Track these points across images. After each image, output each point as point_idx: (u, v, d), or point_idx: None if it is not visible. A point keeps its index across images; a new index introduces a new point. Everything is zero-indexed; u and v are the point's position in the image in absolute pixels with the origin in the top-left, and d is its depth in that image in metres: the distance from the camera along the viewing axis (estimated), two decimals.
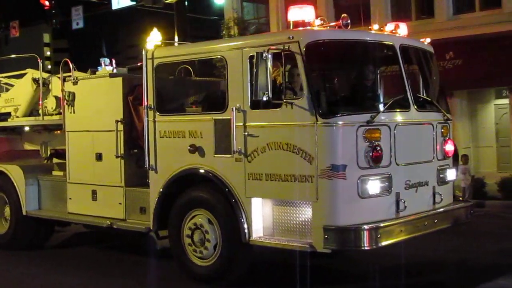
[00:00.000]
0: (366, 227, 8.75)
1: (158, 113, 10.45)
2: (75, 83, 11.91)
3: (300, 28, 9.15)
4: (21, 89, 13.67)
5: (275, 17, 35.16)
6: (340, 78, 9.50)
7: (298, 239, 9.16)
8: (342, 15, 9.38)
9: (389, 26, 9.85)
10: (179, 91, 11.40)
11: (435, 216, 9.74)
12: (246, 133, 9.41)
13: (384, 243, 8.86)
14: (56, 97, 12.78)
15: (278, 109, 9.12)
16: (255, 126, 9.37)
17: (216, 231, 9.86)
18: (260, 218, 9.49)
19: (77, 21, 39.71)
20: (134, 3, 34.77)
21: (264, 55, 8.72)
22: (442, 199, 10.01)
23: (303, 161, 8.92)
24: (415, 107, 9.57)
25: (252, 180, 9.42)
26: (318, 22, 9.14)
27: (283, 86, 9.11)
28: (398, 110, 9.43)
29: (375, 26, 9.65)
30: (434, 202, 9.92)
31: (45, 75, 13.43)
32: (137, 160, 11.37)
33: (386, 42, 9.64)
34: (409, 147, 9.47)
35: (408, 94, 9.50)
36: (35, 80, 13.19)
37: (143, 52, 10.53)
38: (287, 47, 8.90)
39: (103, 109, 11.47)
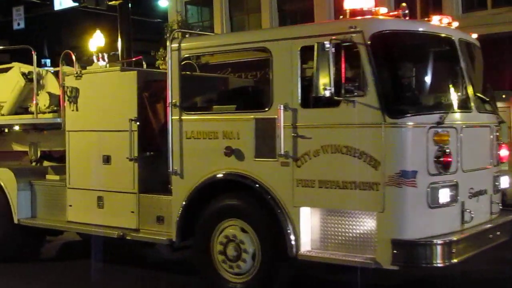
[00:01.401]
0: (439, 241, 7.74)
1: (184, 111, 9.13)
2: (78, 77, 10.52)
3: (364, 17, 8.00)
4: (7, 85, 12.20)
5: (219, 20, 34.83)
6: (406, 73, 8.39)
7: (356, 254, 8.03)
8: (401, 5, 8.30)
9: (445, 19, 8.78)
10: (209, 87, 10.15)
11: (498, 227, 8.75)
12: (295, 134, 8.26)
13: (456, 259, 7.80)
14: (50, 93, 11.41)
15: (336, 107, 7.96)
16: (307, 126, 8.27)
17: (255, 244, 8.68)
18: (309, 230, 8.37)
19: (18, 21, 38.27)
20: (76, 4, 33.49)
21: (326, 45, 7.56)
22: (499, 209, 9.00)
23: (367, 166, 7.84)
24: (476, 108, 8.56)
25: (301, 187, 8.29)
26: (383, 10, 8.00)
27: (341, 81, 7.87)
28: (461, 111, 8.39)
29: (435, 18, 8.55)
30: (491, 213, 8.87)
31: (35, 69, 11.92)
32: (151, 164, 10.05)
33: (449, 36, 8.60)
34: (471, 151, 8.48)
35: (470, 93, 8.50)
36: (25, 75, 11.72)
37: (167, 43, 9.24)
38: (348, 38, 7.72)
39: (113, 107, 10.19)
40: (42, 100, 11.42)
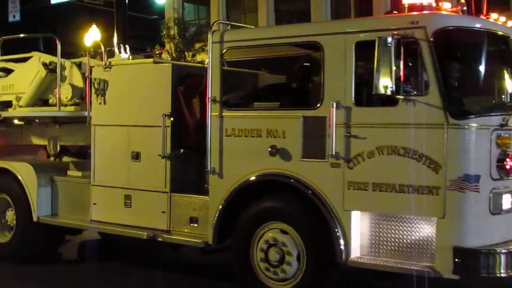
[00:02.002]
0: (503, 250, 7.36)
1: (225, 107, 8.67)
2: (107, 69, 9.99)
3: (427, 12, 7.56)
4: (25, 75, 11.67)
5: (216, 18, 34.75)
6: (469, 72, 7.96)
7: (411, 261, 7.58)
8: (460, 1, 7.89)
9: (502, 18, 8.38)
10: (252, 82, 9.70)
11: None
12: (348, 134, 7.82)
13: None
14: (73, 85, 10.88)
15: (394, 106, 7.54)
16: (362, 125, 7.84)
17: (299, 248, 8.19)
18: (360, 235, 7.96)
19: (14, 14, 37.78)
20: None
21: (389, 40, 7.13)
22: None
23: (427, 169, 7.44)
24: None
25: (353, 190, 7.87)
26: (447, 5, 7.58)
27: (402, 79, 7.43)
28: None
29: (494, 15, 8.14)
30: None
31: (55, 59, 11.38)
32: (184, 162, 9.58)
33: (508, 35, 8.20)
34: None
35: None
36: (46, 65, 11.19)
37: (209, 35, 8.76)
38: (410, 33, 7.30)
39: (145, 101, 9.71)
40: (64, 92, 10.91)
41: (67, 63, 11.14)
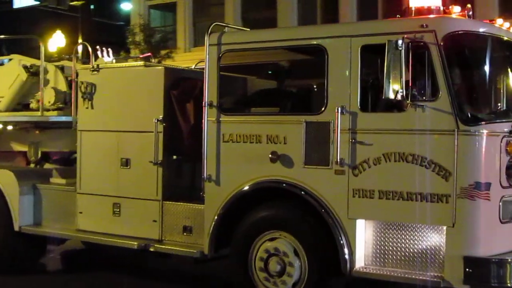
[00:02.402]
0: None
1: (222, 112, 8.42)
2: (95, 72, 9.66)
3: (437, 16, 7.43)
4: (4, 78, 11.24)
5: (182, 25, 34.44)
6: (479, 78, 7.81)
7: (419, 271, 7.38)
8: (467, 6, 7.75)
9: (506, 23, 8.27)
10: (251, 86, 9.42)
11: None
12: (353, 140, 7.62)
13: None
14: (56, 89, 10.52)
15: (403, 112, 7.38)
16: (368, 131, 7.64)
17: (301, 258, 7.96)
18: (365, 245, 7.76)
19: None
20: (37, 2, 32.66)
21: (399, 44, 6.97)
22: None
23: (436, 177, 7.28)
24: None
25: (358, 197, 7.67)
26: (457, 9, 7.44)
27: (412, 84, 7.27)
28: None
29: (499, 21, 8.02)
30: None
31: (37, 62, 11.03)
32: (177, 169, 9.31)
33: None
34: None
35: None
36: (27, 68, 10.82)
37: (206, 37, 8.51)
38: (419, 37, 7.14)
39: (135, 105, 9.44)
40: (47, 97, 10.55)
41: (50, 66, 10.81)
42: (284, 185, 8.10)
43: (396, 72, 7.06)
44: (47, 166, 11.26)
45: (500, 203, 7.30)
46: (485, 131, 7.19)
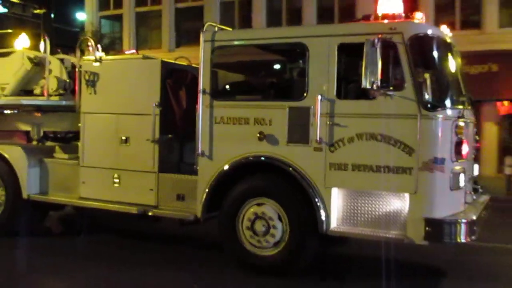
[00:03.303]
0: (464, 220, 7.18)
1: (215, 98, 8.06)
2: (97, 63, 9.11)
3: (404, 20, 7.29)
4: (9, 68, 10.50)
5: (127, 33, 34.16)
6: (435, 72, 7.68)
7: (384, 230, 7.25)
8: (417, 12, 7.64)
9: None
10: (239, 77, 9.07)
11: (486, 208, 8.22)
12: (331, 123, 7.40)
13: (474, 237, 7.23)
14: (58, 78, 9.90)
15: (374, 99, 7.19)
16: (343, 115, 7.44)
17: (283, 220, 7.71)
18: (339, 209, 7.55)
19: None
20: (6, 10, 31.28)
21: (376, 42, 6.78)
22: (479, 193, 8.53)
23: (401, 153, 7.15)
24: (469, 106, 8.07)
25: (334, 170, 7.46)
26: (419, 15, 7.30)
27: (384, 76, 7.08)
28: (465, 107, 7.81)
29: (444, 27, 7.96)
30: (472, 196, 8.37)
31: (39, 54, 10.36)
32: (169, 146, 8.89)
33: (452, 43, 8.07)
34: (469, 143, 7.87)
35: (465, 92, 8.03)
36: (31, 59, 10.14)
37: (201, 35, 8.11)
38: (389, 38, 6.97)
39: (134, 92, 8.94)
40: (50, 84, 9.90)
41: (52, 58, 10.13)
42: (270, 159, 7.79)
43: (373, 66, 6.87)
44: (49, 143, 10.54)
45: (451, 175, 7.24)
46: (441, 116, 7.14)
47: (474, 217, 7.29)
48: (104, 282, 7.63)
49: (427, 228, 7.02)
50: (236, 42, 8.26)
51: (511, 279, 8.31)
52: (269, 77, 8.78)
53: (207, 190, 8.16)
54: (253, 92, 8.46)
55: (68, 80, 10.04)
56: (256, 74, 9.04)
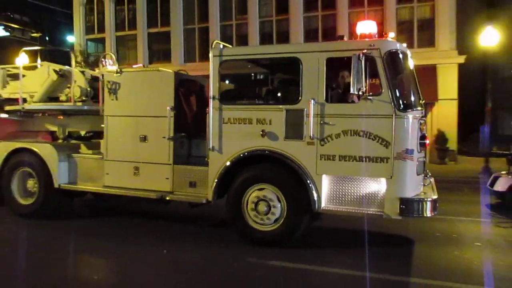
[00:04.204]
0: (429, 199, 7.25)
1: (223, 103, 7.92)
2: (118, 74, 8.83)
3: (380, 38, 7.33)
4: (36, 79, 10.08)
5: (109, 51, 34.32)
6: (404, 80, 7.72)
7: (365, 208, 7.30)
8: (387, 32, 7.69)
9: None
10: (243, 85, 8.91)
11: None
12: (322, 122, 7.40)
13: (435, 212, 7.35)
14: (80, 87, 9.56)
15: (356, 103, 7.21)
16: (331, 116, 7.44)
17: (281, 202, 7.65)
18: (328, 191, 7.52)
19: None
20: (7, 34, 30.33)
21: (361, 56, 6.80)
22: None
23: (379, 146, 7.23)
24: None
25: (324, 160, 7.45)
26: (392, 34, 7.34)
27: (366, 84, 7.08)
28: (422, 108, 7.92)
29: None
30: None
31: (63, 67, 9.98)
32: (180, 143, 8.71)
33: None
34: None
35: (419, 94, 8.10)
36: (57, 72, 9.76)
37: (210, 51, 7.96)
38: (368, 53, 7.00)
39: (151, 98, 8.69)
40: (75, 92, 9.52)
41: (75, 70, 9.75)
42: (271, 152, 7.72)
43: (358, 75, 6.89)
44: (73, 141, 10.19)
45: (417, 163, 7.34)
46: (410, 116, 7.22)
47: (436, 196, 7.41)
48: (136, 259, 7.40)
49: (401, 206, 7.09)
50: (240, 57, 8.14)
51: (459, 241, 8.45)
52: (268, 85, 8.69)
53: (217, 178, 8.04)
54: (255, 97, 8.39)
55: (88, 89, 9.66)
56: (257, 82, 8.95)
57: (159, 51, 33.55)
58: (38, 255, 7.31)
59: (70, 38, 35.62)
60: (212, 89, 7.97)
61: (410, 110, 7.24)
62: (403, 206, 7.09)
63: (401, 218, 7.20)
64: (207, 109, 8.06)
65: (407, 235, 8.76)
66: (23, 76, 10.50)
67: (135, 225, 9.41)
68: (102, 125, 9.16)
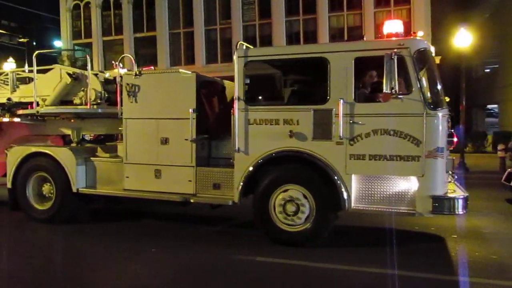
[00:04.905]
0: (461, 196, 6.95)
1: (248, 104, 7.50)
2: (137, 76, 8.31)
3: (410, 37, 7.00)
4: (48, 82, 9.47)
5: (96, 57, 33.61)
6: (434, 78, 7.33)
7: (395, 207, 6.97)
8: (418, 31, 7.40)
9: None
10: (268, 85, 8.46)
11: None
12: (351, 121, 7.03)
13: (465, 210, 7.06)
14: (95, 90, 8.99)
15: (386, 102, 6.88)
16: (360, 115, 7.08)
17: (310, 202, 7.27)
18: (358, 191, 7.20)
19: None
20: None
21: (393, 56, 6.48)
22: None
23: (410, 144, 6.90)
24: None
25: (353, 160, 7.12)
26: (421, 33, 7.02)
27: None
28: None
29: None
30: None
31: (77, 70, 9.42)
32: (202, 144, 8.25)
33: None
34: None
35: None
36: (70, 75, 9.19)
37: (235, 52, 7.52)
38: (398, 52, 6.66)
39: (172, 100, 8.16)
40: (91, 95, 8.95)
41: (89, 74, 9.16)
42: (300, 153, 7.33)
43: (391, 74, 6.56)
44: (88, 145, 9.63)
45: (446, 160, 7.04)
46: (440, 114, 6.90)
47: (467, 194, 7.13)
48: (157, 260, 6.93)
49: (434, 204, 6.79)
50: (265, 57, 7.71)
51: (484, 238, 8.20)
52: (295, 85, 8.27)
53: (243, 179, 7.60)
54: (281, 98, 7.98)
55: (103, 92, 9.11)
56: (283, 83, 8.50)
57: (146, 56, 33.01)
58: (80, 262, 6.78)
59: (58, 43, 34.71)
60: (237, 90, 7.55)
61: (439, 108, 6.93)
62: (436, 204, 6.80)
63: (433, 216, 6.90)
64: (231, 110, 7.63)
65: (427, 231, 8.48)
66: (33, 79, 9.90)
67: (162, 227, 8.92)
68: (120, 128, 8.65)
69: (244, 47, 7.74)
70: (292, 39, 30.33)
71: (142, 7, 32.87)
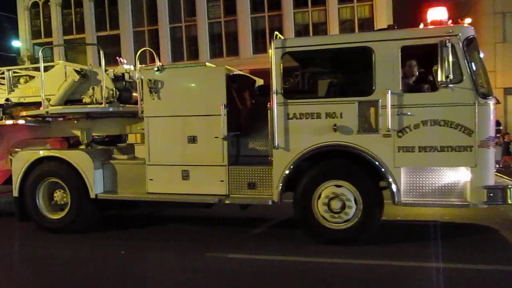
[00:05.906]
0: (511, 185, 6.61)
1: (287, 97, 6.93)
2: (159, 71, 7.57)
3: (459, 24, 6.62)
4: (52, 80, 8.56)
5: (57, 56, 31.84)
6: (481, 67, 6.98)
7: (447, 199, 6.60)
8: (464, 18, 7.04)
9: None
10: (308, 77, 7.87)
11: None
12: (399, 113, 6.59)
13: None
14: (107, 87, 8.18)
15: (435, 92, 6.49)
16: (409, 106, 6.67)
17: (356, 198, 6.80)
18: (408, 184, 6.78)
19: None
20: None
21: (447, 43, 6.09)
22: None
23: (462, 134, 6.54)
24: None
25: (402, 152, 6.71)
26: (468, 20, 6.66)
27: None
28: None
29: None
30: None
31: (84, 66, 8.56)
32: (234, 141, 7.62)
33: None
34: None
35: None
36: (78, 72, 8.32)
37: (272, 43, 6.94)
38: (447, 40, 6.29)
39: (200, 96, 7.49)
40: (104, 93, 8.12)
41: (99, 70, 8.33)
42: (345, 147, 6.85)
43: (445, 62, 6.18)
44: (99, 146, 8.77)
45: (495, 149, 6.72)
46: (491, 103, 6.57)
47: None
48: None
49: (489, 194, 6.47)
50: (304, 48, 7.13)
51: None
52: (337, 76, 7.74)
53: (283, 177, 7.06)
54: (322, 90, 7.41)
55: (113, 89, 8.30)
56: (324, 74, 7.95)
57: (109, 54, 31.73)
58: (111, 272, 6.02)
59: (16, 43, 32.68)
60: (275, 84, 6.97)
61: (490, 96, 6.60)
62: (491, 194, 6.48)
63: (487, 206, 6.58)
64: (268, 105, 7.04)
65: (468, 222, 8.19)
66: (33, 78, 8.96)
67: (189, 231, 8.21)
68: (140, 128, 7.92)
69: (279, 37, 7.16)
70: (258, 35, 29.86)
71: (104, 5, 31.52)
